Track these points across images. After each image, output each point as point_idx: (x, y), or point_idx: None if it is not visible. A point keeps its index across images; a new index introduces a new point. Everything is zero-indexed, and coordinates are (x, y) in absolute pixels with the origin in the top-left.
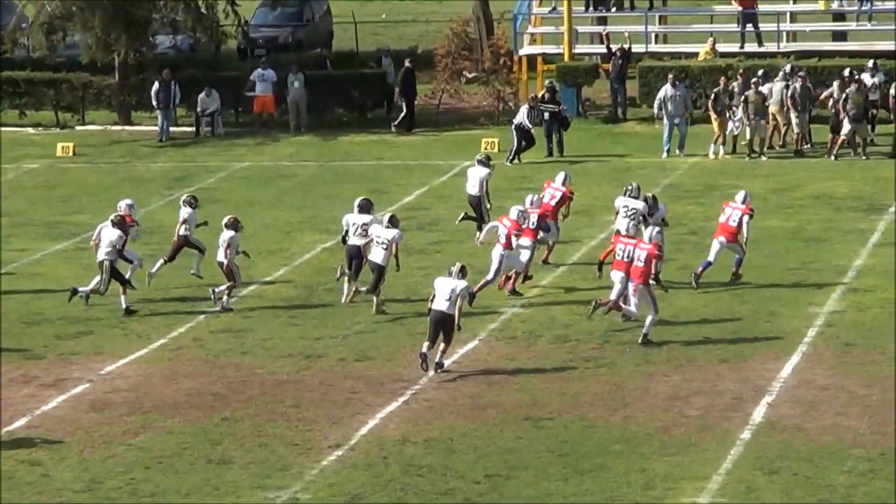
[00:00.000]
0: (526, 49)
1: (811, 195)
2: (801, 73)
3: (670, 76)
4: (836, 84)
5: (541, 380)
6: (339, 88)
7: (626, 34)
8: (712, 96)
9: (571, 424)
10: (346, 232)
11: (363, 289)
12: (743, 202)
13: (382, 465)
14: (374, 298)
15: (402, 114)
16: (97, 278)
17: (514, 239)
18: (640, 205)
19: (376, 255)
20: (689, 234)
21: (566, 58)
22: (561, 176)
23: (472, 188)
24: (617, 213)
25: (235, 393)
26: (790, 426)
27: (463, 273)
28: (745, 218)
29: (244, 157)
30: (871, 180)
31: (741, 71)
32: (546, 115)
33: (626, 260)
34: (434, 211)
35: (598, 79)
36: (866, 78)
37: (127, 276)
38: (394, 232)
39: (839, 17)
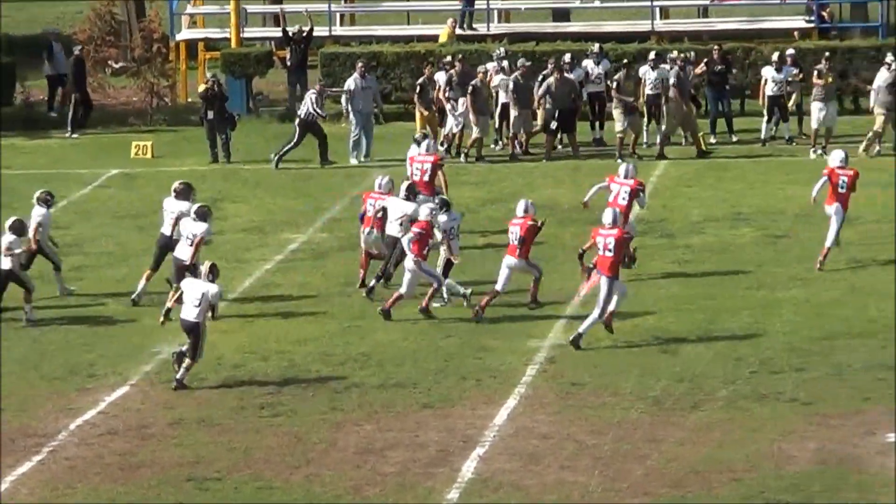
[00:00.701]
0: (185, 33)
1: None
2: (521, 63)
3: (359, 65)
4: (551, 77)
5: (206, 432)
6: None
7: (307, 13)
8: (418, 89)
9: (243, 485)
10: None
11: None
12: (626, 177)
13: None
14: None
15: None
16: None
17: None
18: (410, 207)
19: (182, 252)
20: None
21: (233, 43)
22: (426, 143)
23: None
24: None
25: None
26: (506, 483)
27: (213, 274)
28: (640, 194)
29: None
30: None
31: (460, 57)
32: (210, 114)
33: (515, 244)
34: (75, 230)
35: (272, 68)
36: (590, 66)
37: None
38: (203, 226)
39: None
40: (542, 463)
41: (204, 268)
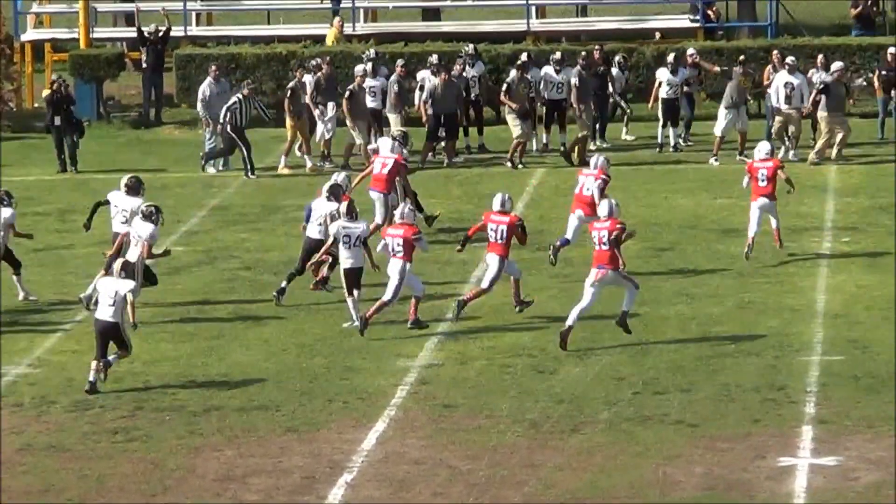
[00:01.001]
0: (30, 34)
1: None
2: (399, 65)
3: (212, 68)
4: (433, 78)
5: (55, 459)
6: None
7: (164, 11)
8: (288, 93)
9: None
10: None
11: None
12: (595, 167)
13: None
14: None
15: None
16: None
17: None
18: (333, 209)
19: (132, 254)
20: (244, 270)
21: (82, 44)
22: (389, 142)
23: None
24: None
25: None
26: None
27: (126, 271)
28: (596, 185)
29: None
30: (472, 197)
31: (328, 59)
32: (57, 120)
33: (499, 241)
34: None
35: (124, 71)
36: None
37: None
38: (150, 228)
39: None
40: (413, 490)
41: (117, 265)
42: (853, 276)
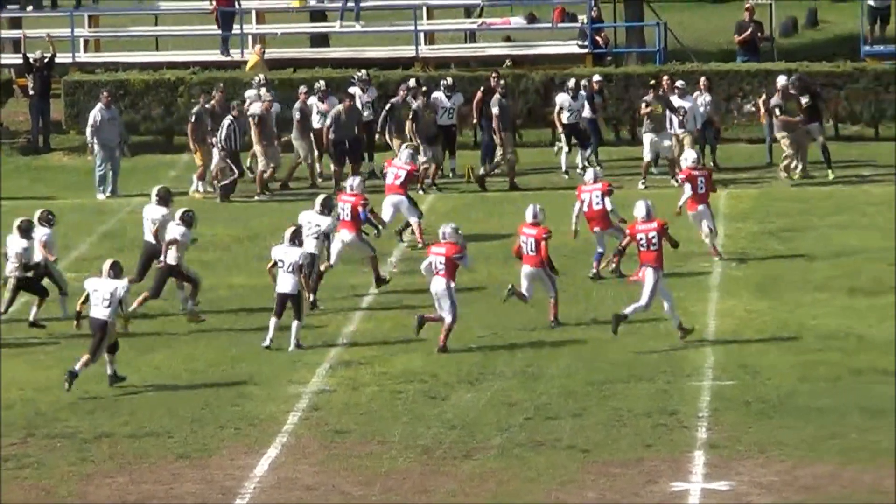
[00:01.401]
0: None
1: None
2: (302, 90)
3: (103, 94)
4: (321, 105)
5: None
6: None
7: (49, 38)
8: (192, 118)
9: None
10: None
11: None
12: (595, 180)
13: None
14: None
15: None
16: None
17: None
18: (324, 221)
19: (170, 257)
20: (133, 296)
21: None
22: (405, 153)
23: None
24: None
25: None
26: None
27: (115, 271)
28: (607, 199)
29: None
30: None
31: (220, 86)
32: None
33: (530, 253)
34: None
35: (12, 98)
36: (357, 93)
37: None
38: (181, 230)
39: (319, 16)
40: None
41: (105, 266)
42: (743, 301)
